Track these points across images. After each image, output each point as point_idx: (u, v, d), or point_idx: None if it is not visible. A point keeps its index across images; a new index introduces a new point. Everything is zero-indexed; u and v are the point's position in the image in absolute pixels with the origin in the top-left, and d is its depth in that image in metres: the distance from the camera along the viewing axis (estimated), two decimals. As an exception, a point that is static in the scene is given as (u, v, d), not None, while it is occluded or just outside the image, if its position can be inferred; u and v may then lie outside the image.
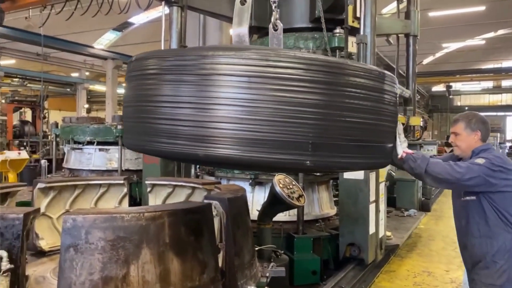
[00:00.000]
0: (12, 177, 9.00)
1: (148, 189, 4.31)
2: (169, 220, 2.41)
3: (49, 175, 10.40)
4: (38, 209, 2.39)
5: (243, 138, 1.70)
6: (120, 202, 4.34)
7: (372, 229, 4.61)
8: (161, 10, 6.35)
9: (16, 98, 19.88)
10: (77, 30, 15.43)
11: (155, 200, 4.33)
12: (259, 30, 6.22)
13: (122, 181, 4.26)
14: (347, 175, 4.45)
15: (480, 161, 2.61)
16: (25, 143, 16.74)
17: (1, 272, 2.09)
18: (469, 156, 2.79)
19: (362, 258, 4.79)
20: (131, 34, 19.96)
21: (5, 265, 2.10)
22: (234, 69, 1.71)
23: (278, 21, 2.41)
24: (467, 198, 2.74)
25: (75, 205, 4.18)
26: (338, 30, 5.67)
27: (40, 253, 3.61)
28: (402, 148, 2.53)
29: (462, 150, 2.84)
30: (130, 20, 18.66)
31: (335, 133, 1.78)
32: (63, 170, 10.34)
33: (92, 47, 17.17)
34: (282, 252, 4.25)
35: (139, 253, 2.30)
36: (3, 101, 18.28)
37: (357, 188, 4.46)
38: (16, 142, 17.30)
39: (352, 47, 5.34)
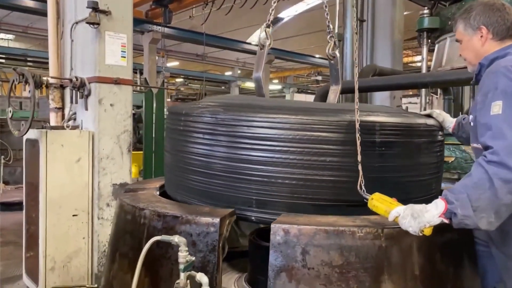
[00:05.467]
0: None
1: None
2: (420, 242, 1.57)
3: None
4: (234, 212, 1.80)
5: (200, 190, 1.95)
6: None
7: None
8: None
9: (180, 96, 21.79)
10: (232, 28, 15.98)
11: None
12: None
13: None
14: None
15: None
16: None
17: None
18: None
19: None
20: (281, 29, 19.93)
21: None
22: (193, 126, 1.97)
23: (336, 51, 2.31)
24: None
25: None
26: None
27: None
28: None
29: (471, 63, 1.77)
30: (280, 15, 18.62)
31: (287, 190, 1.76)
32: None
33: (249, 43, 17.51)
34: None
35: (378, 289, 1.52)
36: (169, 99, 20.03)
37: None
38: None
39: None
